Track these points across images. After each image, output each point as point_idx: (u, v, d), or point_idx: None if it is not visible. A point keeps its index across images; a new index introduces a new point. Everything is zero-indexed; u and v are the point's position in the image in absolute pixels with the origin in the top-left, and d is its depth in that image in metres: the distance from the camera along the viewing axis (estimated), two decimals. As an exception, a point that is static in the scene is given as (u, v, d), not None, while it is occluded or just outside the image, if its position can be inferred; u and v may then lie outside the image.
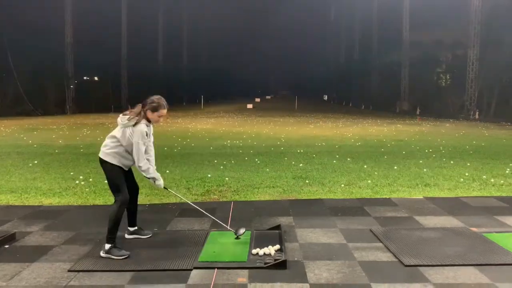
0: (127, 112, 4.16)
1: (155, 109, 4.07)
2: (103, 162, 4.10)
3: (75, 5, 31.99)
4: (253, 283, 3.46)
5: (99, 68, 37.07)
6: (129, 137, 4.02)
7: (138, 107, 4.10)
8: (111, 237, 3.99)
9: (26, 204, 5.98)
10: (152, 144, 4.33)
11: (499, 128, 20.06)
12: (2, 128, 18.44)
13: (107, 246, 3.97)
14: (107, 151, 4.08)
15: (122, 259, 3.91)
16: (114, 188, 4.09)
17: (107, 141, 4.13)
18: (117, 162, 4.06)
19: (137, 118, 4.03)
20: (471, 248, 4.17)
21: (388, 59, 39.20)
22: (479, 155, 10.73)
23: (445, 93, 32.79)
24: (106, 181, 4.23)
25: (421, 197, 6.35)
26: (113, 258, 3.91)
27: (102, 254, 3.96)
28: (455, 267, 3.75)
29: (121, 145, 4.06)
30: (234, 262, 3.84)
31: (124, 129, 4.05)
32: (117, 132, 4.10)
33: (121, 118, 4.08)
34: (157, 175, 4.17)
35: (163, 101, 4.11)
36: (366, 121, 24.40)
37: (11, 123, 21.04)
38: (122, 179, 4.10)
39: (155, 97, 4.13)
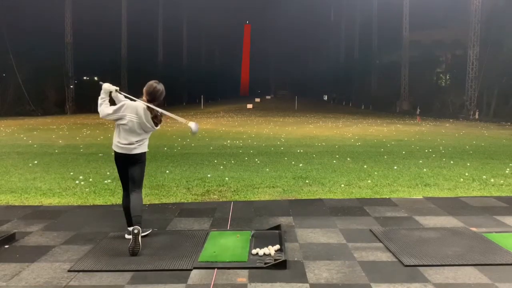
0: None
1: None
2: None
3: (75, 5, 31.98)
4: (253, 283, 3.46)
5: (99, 68, 37.02)
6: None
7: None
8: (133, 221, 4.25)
9: (26, 204, 5.98)
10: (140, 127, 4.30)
11: (499, 128, 20.05)
12: (2, 128, 18.44)
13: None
14: None
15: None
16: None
17: None
18: (115, 146, 4.28)
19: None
20: (471, 248, 4.17)
21: (388, 59, 39.18)
22: (479, 155, 10.72)
23: (445, 93, 32.77)
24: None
25: (421, 197, 6.34)
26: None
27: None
28: (455, 267, 3.75)
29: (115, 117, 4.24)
30: (234, 262, 3.84)
31: None
32: None
33: None
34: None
35: (157, 84, 4.38)
36: (366, 121, 24.38)
37: (11, 123, 21.04)
38: (121, 175, 4.42)
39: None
